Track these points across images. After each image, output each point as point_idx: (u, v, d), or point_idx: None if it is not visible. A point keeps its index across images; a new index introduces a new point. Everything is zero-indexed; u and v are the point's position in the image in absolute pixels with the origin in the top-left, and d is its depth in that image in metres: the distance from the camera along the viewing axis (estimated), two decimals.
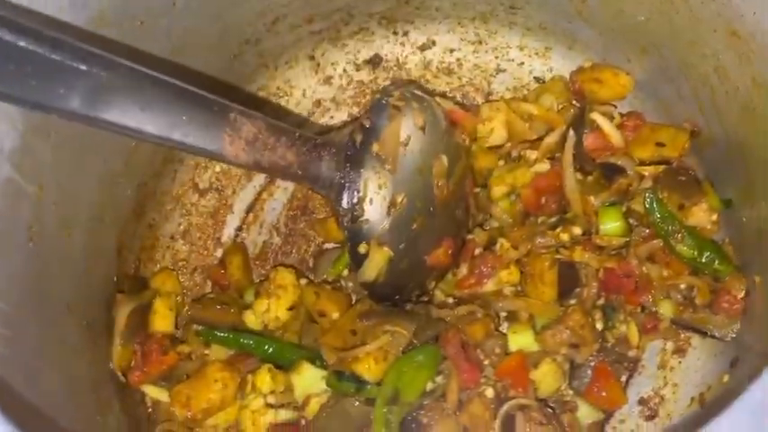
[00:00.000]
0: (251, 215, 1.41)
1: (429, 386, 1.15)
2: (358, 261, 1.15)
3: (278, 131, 1.04)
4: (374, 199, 1.12)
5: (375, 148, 1.13)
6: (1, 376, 0.88)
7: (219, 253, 1.38)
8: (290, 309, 1.24)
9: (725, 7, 1.05)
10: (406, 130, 1.15)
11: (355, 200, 1.11)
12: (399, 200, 1.14)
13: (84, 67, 0.84)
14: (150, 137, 0.91)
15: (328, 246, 1.38)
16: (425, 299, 1.28)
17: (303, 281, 1.28)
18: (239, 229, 1.40)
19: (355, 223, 1.12)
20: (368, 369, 1.13)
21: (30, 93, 0.82)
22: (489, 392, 1.17)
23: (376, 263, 1.15)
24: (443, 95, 1.41)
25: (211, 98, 0.97)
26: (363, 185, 1.11)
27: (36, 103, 0.83)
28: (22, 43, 0.80)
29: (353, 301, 1.29)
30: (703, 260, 1.20)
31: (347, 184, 1.11)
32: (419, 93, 1.23)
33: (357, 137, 1.12)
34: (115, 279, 1.23)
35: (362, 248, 1.14)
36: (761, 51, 1.04)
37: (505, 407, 1.16)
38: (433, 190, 1.18)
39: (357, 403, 1.15)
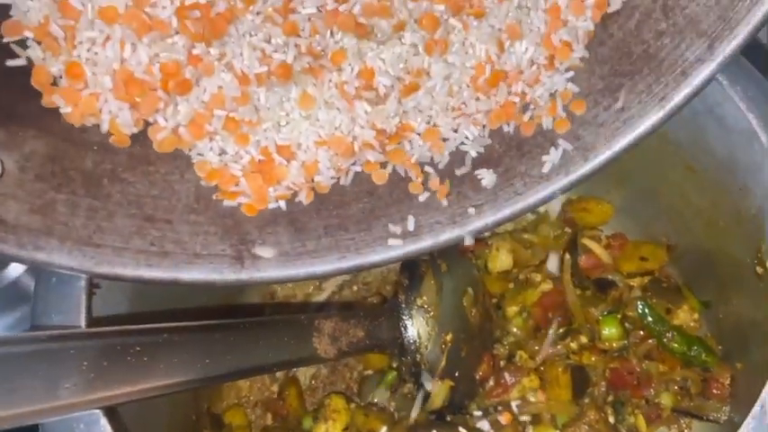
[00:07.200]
0: None
1: None
2: (424, 396, 1.31)
3: (348, 317, 1.23)
4: (428, 345, 1.27)
5: (419, 301, 1.28)
6: None
7: (275, 387, 1.54)
8: (345, 430, 1.42)
9: (679, 149, 1.26)
10: (437, 277, 1.31)
11: (414, 348, 1.27)
12: (448, 339, 1.28)
13: (218, 335, 1.07)
14: (267, 369, 1.16)
15: (368, 372, 1.52)
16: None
17: (352, 404, 1.43)
18: None
19: (418, 368, 1.28)
20: None
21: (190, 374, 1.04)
22: None
23: (441, 395, 1.30)
24: None
25: (301, 316, 1.20)
26: (418, 336, 1.27)
27: (200, 380, 1.05)
28: (176, 338, 1.03)
29: (396, 418, 1.44)
30: (692, 354, 1.35)
31: (405, 339, 1.27)
32: None
33: (401, 297, 1.28)
34: (194, 417, 1.40)
35: (427, 386, 1.29)
36: (713, 180, 1.24)
37: None
38: (469, 320, 1.33)
39: None
